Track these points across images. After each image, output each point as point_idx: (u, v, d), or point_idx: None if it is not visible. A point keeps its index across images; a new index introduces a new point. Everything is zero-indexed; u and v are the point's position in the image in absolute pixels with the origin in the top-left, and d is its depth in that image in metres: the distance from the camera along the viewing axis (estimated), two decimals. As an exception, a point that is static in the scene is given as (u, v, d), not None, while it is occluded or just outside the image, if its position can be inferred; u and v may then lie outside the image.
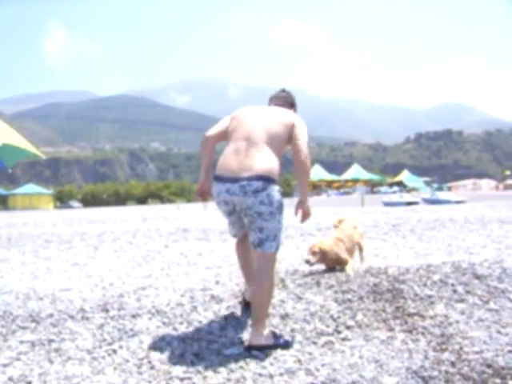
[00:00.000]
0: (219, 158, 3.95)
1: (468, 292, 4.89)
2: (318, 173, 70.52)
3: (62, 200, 75.44)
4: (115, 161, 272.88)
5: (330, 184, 70.27)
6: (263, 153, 3.81)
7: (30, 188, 66.75)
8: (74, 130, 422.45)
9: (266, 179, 3.72)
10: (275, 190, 3.78)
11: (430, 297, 4.79)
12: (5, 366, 3.69)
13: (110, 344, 3.98)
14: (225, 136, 4.12)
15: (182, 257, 7.86)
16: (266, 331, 3.84)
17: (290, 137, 3.95)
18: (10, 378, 3.47)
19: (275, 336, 3.87)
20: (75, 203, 72.74)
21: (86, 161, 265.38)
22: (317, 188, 68.21)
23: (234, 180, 3.75)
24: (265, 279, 3.80)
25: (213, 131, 4.15)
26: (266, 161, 3.78)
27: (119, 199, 79.50)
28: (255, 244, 3.82)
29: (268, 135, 3.88)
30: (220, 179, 3.85)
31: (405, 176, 74.33)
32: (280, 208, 3.84)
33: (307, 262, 5.52)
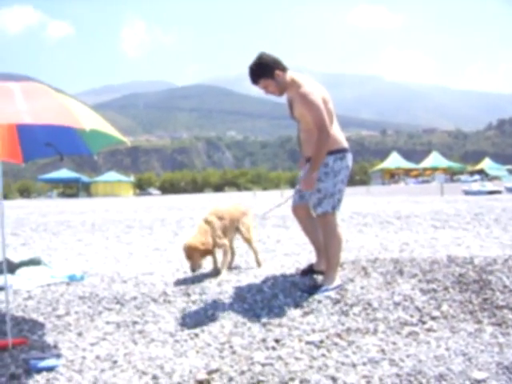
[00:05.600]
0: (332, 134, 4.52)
1: (562, 285, 4.63)
2: (395, 160, 69.06)
3: (141, 187, 77.27)
4: (192, 149, 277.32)
5: (407, 172, 68.63)
6: None
7: (111, 176, 68.71)
8: (153, 120, 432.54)
9: None
10: None
11: (520, 289, 4.57)
12: (92, 345, 3.81)
13: (191, 328, 4.03)
14: None
15: (260, 243, 7.86)
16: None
17: None
18: (98, 357, 3.59)
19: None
20: (154, 190, 74.32)
21: (164, 149, 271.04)
22: (394, 176, 66.88)
23: None
24: None
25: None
26: None
27: (196, 187, 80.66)
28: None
29: None
30: (349, 151, 4.70)
31: (486, 164, 71.59)
32: None
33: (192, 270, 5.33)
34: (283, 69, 4.56)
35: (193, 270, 5.28)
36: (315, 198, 4.63)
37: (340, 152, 4.62)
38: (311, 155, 4.52)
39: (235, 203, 6.05)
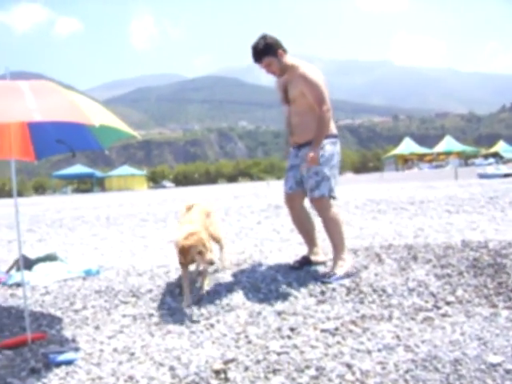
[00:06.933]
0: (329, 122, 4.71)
1: None
2: (408, 146, 68.51)
3: (154, 180, 77.38)
4: (205, 141, 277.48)
5: (421, 157, 68.14)
6: None
7: (125, 170, 68.92)
8: (165, 113, 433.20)
9: None
10: None
11: (535, 272, 4.55)
12: (109, 338, 3.85)
13: (207, 318, 4.07)
14: None
15: (274, 233, 7.88)
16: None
17: None
18: (115, 350, 3.63)
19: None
20: (168, 183, 74.39)
21: (176, 142, 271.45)
22: (408, 162, 66.45)
23: None
24: None
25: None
26: None
27: (210, 178, 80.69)
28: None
29: None
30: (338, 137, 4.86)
31: (501, 147, 70.87)
32: None
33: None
34: (284, 50, 4.76)
35: (211, 263, 4.40)
36: (313, 180, 4.71)
37: (333, 137, 4.79)
38: (314, 132, 4.65)
39: (198, 203, 5.35)
